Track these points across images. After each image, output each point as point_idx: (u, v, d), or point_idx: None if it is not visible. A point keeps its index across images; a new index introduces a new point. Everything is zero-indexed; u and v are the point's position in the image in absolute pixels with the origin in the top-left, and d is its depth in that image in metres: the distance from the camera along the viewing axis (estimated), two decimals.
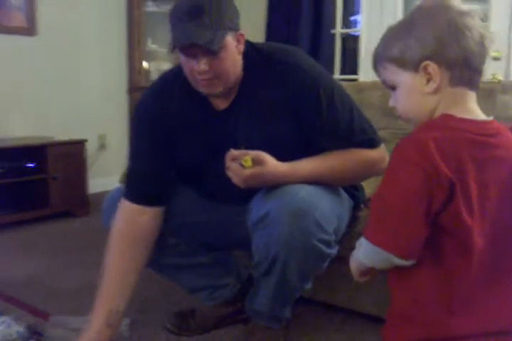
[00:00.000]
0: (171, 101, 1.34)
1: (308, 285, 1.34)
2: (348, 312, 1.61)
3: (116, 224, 1.35)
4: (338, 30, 3.53)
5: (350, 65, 3.58)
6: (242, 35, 1.25)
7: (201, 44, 1.15)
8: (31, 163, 2.73)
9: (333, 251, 1.27)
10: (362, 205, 1.52)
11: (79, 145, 2.91)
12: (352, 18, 3.73)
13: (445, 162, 0.69)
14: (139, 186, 1.37)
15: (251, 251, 1.31)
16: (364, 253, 0.81)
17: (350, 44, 3.65)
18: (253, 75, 1.29)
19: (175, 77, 1.36)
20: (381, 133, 1.39)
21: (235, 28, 1.23)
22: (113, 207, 1.40)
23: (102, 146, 3.52)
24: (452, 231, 0.73)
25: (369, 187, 1.53)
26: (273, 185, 1.24)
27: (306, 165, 1.28)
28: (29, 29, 3.09)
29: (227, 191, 1.29)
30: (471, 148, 0.72)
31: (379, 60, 0.82)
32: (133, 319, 1.50)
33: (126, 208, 1.36)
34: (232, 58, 1.23)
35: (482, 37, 0.74)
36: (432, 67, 0.74)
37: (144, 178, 1.37)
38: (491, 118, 0.79)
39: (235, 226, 1.39)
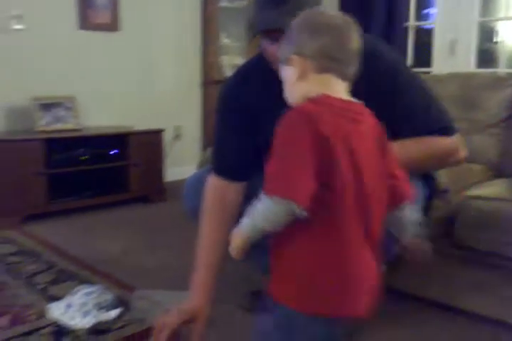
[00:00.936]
0: (251, 86, 1.42)
1: (381, 269, 1.38)
2: (420, 300, 1.64)
3: (206, 200, 1.44)
4: (412, 23, 3.49)
5: (422, 58, 3.54)
6: None
7: (280, 28, 1.21)
8: (114, 151, 2.91)
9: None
10: (437, 194, 1.53)
11: (157, 134, 3.06)
12: (424, 11, 3.69)
13: (325, 128, 0.83)
14: (225, 161, 1.45)
15: None
16: (264, 212, 0.84)
17: (421, 37, 3.61)
18: None
19: (255, 64, 1.44)
20: (457, 125, 1.41)
21: None
22: (193, 191, 1.50)
23: (177, 137, 3.67)
24: (334, 188, 0.84)
25: (445, 176, 1.55)
26: None
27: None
28: (112, 25, 3.28)
29: None
30: (342, 120, 0.87)
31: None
32: None
33: (213, 184, 1.44)
34: None
35: (343, 35, 0.90)
36: (295, 59, 0.91)
37: (229, 153, 1.44)
38: (358, 101, 0.93)
39: None
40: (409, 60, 3.55)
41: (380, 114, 1.32)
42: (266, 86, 1.40)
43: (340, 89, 0.92)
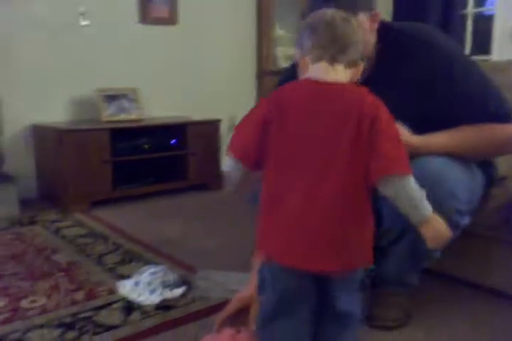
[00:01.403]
0: None
1: (438, 254, 1.40)
2: (476, 287, 1.65)
3: None
4: (471, 10, 3.42)
5: (480, 45, 3.46)
6: (376, 14, 1.33)
7: None
8: (174, 140, 3.03)
9: (466, 221, 1.31)
10: (496, 181, 1.53)
11: (214, 124, 3.15)
12: None
13: (272, 107, 1.00)
14: None
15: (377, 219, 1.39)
16: (227, 165, 1.06)
17: (479, 24, 3.53)
18: (386, 52, 1.36)
19: None
20: None
21: (369, 8, 1.31)
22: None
23: (232, 127, 3.76)
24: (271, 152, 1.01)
25: (504, 164, 1.55)
26: None
27: (439, 139, 1.32)
28: (171, 19, 3.39)
29: None
30: (302, 98, 1.01)
31: None
32: None
33: None
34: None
35: (333, 28, 1.01)
36: (298, 56, 1.06)
37: None
38: (343, 81, 1.02)
39: None
40: (468, 47, 3.48)
41: (437, 103, 1.34)
42: None
43: (328, 73, 1.02)
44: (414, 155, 1.28)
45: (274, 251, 1.03)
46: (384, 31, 1.37)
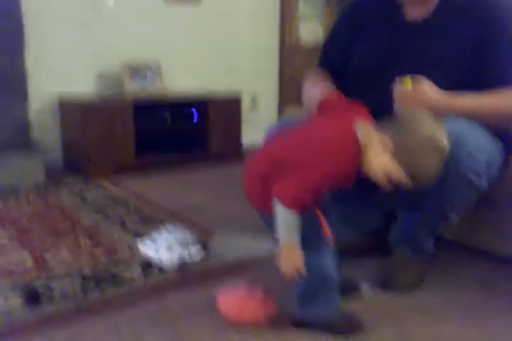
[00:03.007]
0: (369, 6, 1.54)
1: (455, 217, 1.40)
2: (490, 255, 1.64)
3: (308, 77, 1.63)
4: None
5: None
6: None
7: None
8: (195, 114, 3.06)
9: (483, 183, 1.31)
10: None
11: (236, 98, 3.17)
12: None
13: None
14: (329, 54, 1.63)
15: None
16: None
17: None
18: (446, 6, 1.39)
19: None
20: None
21: None
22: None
23: (254, 103, 3.77)
24: None
25: None
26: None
27: (468, 99, 1.32)
28: None
29: (382, 107, 1.29)
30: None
31: None
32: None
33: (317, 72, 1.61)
34: None
35: None
36: None
37: (334, 50, 1.62)
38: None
39: None
40: None
41: (478, 62, 1.35)
42: (384, 4, 1.49)
43: None
44: (441, 111, 1.26)
45: None
46: None
